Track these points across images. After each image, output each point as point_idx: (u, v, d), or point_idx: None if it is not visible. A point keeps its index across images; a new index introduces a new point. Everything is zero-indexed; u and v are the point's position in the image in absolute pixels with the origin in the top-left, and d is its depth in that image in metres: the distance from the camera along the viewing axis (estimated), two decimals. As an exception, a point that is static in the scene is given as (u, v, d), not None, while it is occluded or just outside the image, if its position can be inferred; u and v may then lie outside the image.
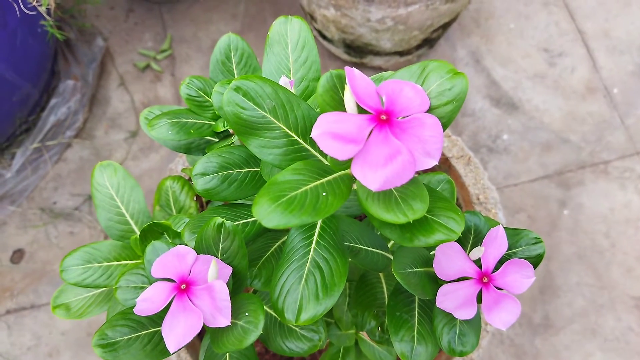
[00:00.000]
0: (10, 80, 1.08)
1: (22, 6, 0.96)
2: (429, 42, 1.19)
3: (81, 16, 1.35)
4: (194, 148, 0.60)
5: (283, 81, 0.44)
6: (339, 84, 0.39)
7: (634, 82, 1.27)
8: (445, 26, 1.11)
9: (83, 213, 1.23)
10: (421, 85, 0.39)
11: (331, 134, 0.35)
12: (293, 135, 0.41)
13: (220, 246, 0.42)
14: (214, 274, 0.37)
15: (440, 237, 0.37)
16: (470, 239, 0.46)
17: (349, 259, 0.47)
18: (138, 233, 0.56)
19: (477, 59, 1.30)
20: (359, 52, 1.17)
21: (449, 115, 0.38)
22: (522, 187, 1.19)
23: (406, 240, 0.38)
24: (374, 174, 0.35)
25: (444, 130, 0.37)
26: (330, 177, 0.39)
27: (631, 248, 1.14)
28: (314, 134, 0.35)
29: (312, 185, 0.38)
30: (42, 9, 1.03)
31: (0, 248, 1.23)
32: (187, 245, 0.43)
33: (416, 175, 0.38)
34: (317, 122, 0.36)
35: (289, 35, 0.51)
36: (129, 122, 1.29)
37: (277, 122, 0.41)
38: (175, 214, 0.60)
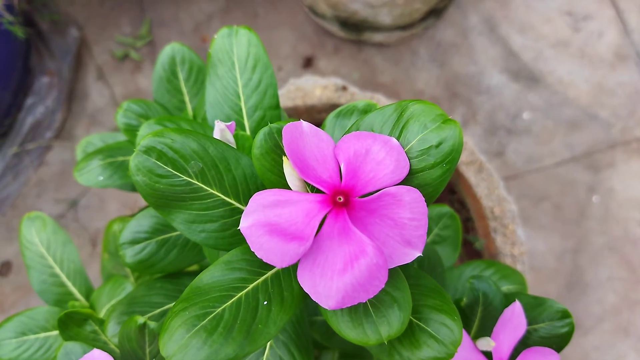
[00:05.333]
0: (-28, 85, 0.98)
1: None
2: (435, 13, 1.05)
3: (53, 4, 1.23)
4: (142, 185, 0.49)
5: (218, 129, 0.33)
6: (283, 142, 0.28)
7: (672, 44, 1.11)
8: (453, -5, 0.97)
9: (68, 220, 1.15)
10: (398, 138, 0.28)
11: (267, 225, 0.25)
12: (232, 201, 0.31)
13: (147, 350, 0.32)
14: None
15: (429, 353, 0.27)
16: (477, 312, 0.35)
17: (327, 341, 0.37)
18: (78, 296, 0.47)
19: (492, 27, 1.15)
20: (355, 29, 1.04)
21: (436, 184, 0.27)
22: (545, 171, 1.07)
23: (384, 354, 0.28)
24: (329, 286, 0.24)
25: (428, 204, 0.27)
26: (277, 269, 0.29)
27: (670, 236, 1.02)
28: (243, 225, 0.25)
29: (250, 287, 0.28)
30: (-2, 5, 0.92)
31: (-13, 260, 1.17)
32: (109, 342, 0.34)
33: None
34: (248, 205, 0.26)
35: (235, 53, 0.39)
36: (110, 119, 1.19)
37: (209, 189, 0.30)
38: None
